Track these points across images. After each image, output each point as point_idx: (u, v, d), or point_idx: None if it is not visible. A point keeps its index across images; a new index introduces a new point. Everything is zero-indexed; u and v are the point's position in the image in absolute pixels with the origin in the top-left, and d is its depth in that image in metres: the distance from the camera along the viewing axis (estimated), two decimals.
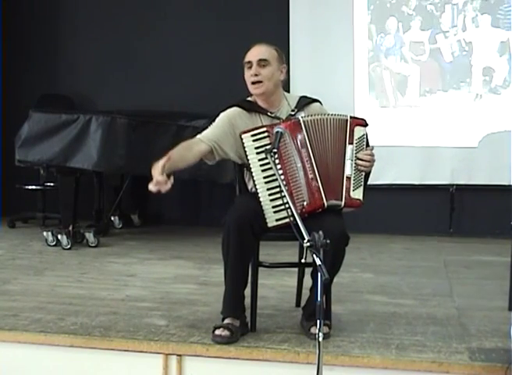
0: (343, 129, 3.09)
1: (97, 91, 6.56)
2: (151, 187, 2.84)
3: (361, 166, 3.09)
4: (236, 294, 3.10)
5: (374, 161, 3.13)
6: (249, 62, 3.15)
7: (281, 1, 6.07)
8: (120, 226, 6.12)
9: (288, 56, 5.48)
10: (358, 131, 3.11)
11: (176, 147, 3.06)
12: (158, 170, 2.83)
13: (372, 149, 3.14)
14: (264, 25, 6.04)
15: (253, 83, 3.15)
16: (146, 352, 3.03)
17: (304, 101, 3.24)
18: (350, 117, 3.13)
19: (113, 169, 5.29)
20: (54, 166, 5.18)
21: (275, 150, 2.96)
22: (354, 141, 3.09)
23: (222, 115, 3.25)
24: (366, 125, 3.16)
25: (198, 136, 3.19)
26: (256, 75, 3.13)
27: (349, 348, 2.97)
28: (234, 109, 3.23)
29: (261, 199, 3.03)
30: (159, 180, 2.82)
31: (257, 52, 3.15)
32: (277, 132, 3.01)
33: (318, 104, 3.28)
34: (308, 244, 2.49)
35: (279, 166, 3.00)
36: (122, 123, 5.06)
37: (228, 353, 2.96)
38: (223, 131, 3.17)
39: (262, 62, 3.13)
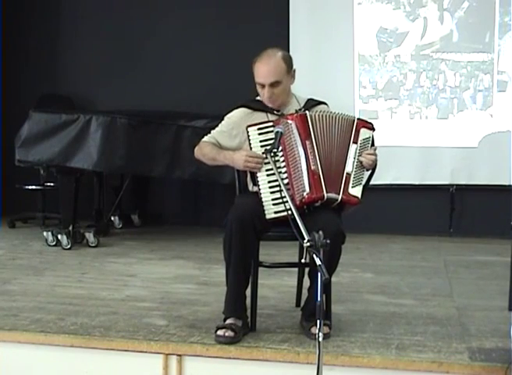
0: (350, 128, 3.16)
1: (97, 91, 6.55)
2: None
3: (363, 162, 3.13)
4: (239, 294, 3.11)
5: (376, 160, 3.17)
6: (261, 83, 3.19)
7: (281, 2, 6.06)
8: (120, 226, 6.11)
9: None
10: (364, 133, 3.18)
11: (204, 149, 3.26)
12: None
13: (376, 149, 3.19)
14: (265, 25, 6.04)
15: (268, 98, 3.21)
16: (146, 352, 3.03)
17: (312, 103, 3.32)
18: (358, 119, 3.20)
19: (113, 169, 5.29)
20: (54, 166, 5.18)
21: (274, 150, 3.02)
22: (359, 141, 3.15)
23: (227, 118, 3.34)
24: (373, 129, 3.22)
25: (206, 138, 3.30)
26: (270, 94, 3.18)
27: (349, 348, 2.97)
28: (240, 111, 3.31)
29: (261, 191, 3.08)
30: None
31: (267, 73, 3.16)
32: (277, 132, 3.06)
33: (324, 105, 3.35)
34: (308, 244, 2.49)
35: (278, 164, 3.05)
36: (122, 123, 5.05)
37: (228, 353, 2.96)
38: (229, 135, 3.27)
39: (274, 84, 3.17)
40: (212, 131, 3.34)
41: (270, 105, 3.23)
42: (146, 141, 5.13)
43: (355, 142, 3.14)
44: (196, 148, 3.32)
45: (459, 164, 5.93)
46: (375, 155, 3.17)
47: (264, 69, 3.16)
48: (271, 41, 5.92)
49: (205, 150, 3.27)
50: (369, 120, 3.27)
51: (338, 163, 3.11)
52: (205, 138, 3.32)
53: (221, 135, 3.29)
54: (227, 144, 3.27)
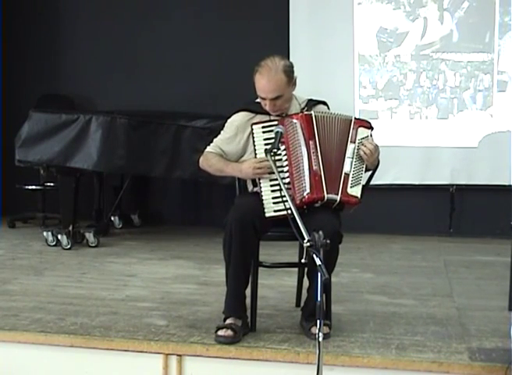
0: (347, 128, 3.16)
1: (97, 91, 6.55)
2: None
3: (361, 154, 3.12)
4: (238, 294, 3.11)
5: (377, 152, 3.16)
6: (262, 97, 3.19)
7: (281, 2, 6.06)
8: (120, 226, 6.11)
9: (288, 56, 5.47)
10: (362, 132, 3.18)
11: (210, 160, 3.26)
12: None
13: (377, 147, 3.19)
14: (265, 25, 6.04)
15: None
16: (146, 352, 3.03)
17: (312, 103, 3.32)
18: (355, 118, 3.21)
19: (113, 169, 5.29)
20: (54, 166, 5.17)
21: (275, 150, 3.01)
22: (357, 141, 3.16)
23: (229, 123, 3.32)
24: (371, 128, 3.23)
25: (210, 148, 3.29)
26: (272, 106, 3.18)
27: (349, 348, 2.97)
28: (241, 115, 3.29)
29: (262, 189, 3.08)
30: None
31: (268, 89, 3.14)
32: (277, 132, 3.06)
33: (324, 106, 3.36)
34: (308, 244, 2.49)
35: (280, 163, 3.07)
36: (122, 123, 5.05)
37: (228, 353, 2.97)
38: (232, 141, 3.27)
39: (276, 98, 3.15)
40: (215, 139, 3.32)
41: (272, 113, 3.23)
42: (146, 141, 5.13)
43: (353, 142, 3.15)
44: (201, 159, 3.31)
45: (459, 164, 5.92)
46: (375, 145, 3.14)
47: (265, 84, 3.13)
48: (271, 40, 5.97)
49: (212, 161, 3.26)
50: (367, 119, 3.28)
51: (337, 164, 3.12)
52: (209, 148, 3.31)
53: (224, 142, 3.28)
54: (232, 151, 3.26)
